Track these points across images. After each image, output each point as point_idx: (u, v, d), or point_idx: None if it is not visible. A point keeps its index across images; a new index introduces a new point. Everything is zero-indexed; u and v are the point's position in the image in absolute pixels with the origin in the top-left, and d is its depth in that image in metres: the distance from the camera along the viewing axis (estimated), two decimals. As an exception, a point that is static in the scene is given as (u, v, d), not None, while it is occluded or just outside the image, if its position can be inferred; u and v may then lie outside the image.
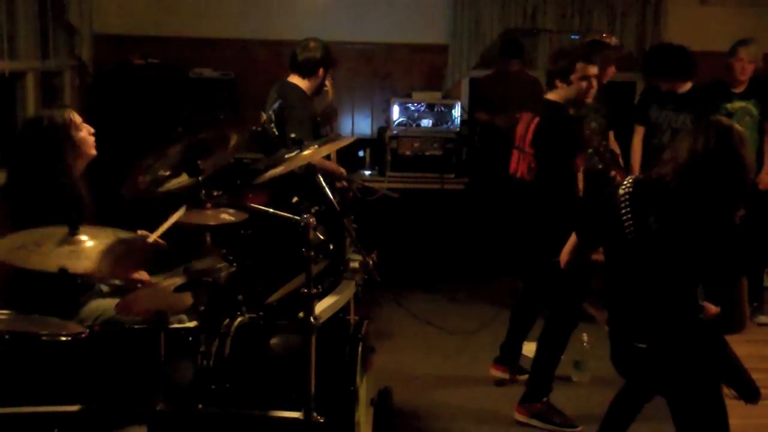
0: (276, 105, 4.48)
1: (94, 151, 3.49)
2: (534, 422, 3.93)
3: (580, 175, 4.09)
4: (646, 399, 3.17)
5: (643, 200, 2.82)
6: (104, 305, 3.37)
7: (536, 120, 3.94)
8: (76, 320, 3.28)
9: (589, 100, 4.06)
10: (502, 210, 4.39)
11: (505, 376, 4.45)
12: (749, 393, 2.89)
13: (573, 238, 3.13)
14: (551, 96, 3.98)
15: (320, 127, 4.75)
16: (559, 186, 3.91)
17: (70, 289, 3.32)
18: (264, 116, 4.53)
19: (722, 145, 2.71)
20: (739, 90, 5.40)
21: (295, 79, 4.56)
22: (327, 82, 4.66)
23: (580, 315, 4.05)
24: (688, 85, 5.26)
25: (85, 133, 3.43)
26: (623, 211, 2.83)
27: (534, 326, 4.39)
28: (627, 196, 2.84)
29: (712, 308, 2.83)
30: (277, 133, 4.40)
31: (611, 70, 5.17)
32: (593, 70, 3.96)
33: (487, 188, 5.86)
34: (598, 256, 3.14)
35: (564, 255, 3.16)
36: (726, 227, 2.73)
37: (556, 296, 3.95)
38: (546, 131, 3.90)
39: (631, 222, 2.81)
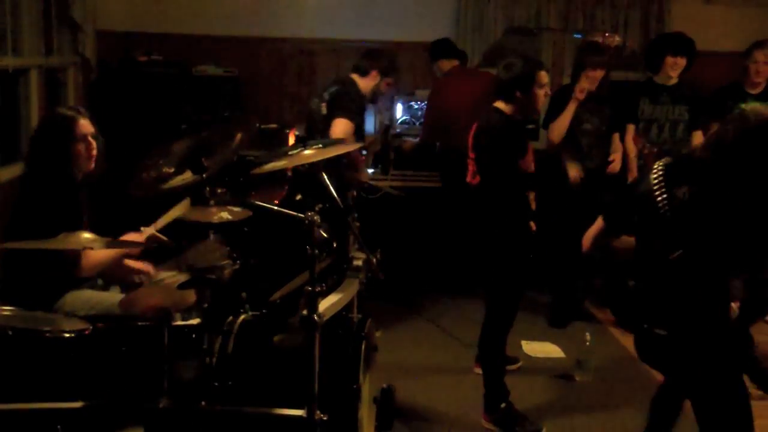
0: (334, 89, 4.74)
1: (90, 165, 3.52)
2: (496, 430, 3.95)
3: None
4: (685, 396, 3.15)
5: (675, 177, 2.86)
6: (98, 297, 3.38)
7: (475, 125, 4.00)
8: (58, 308, 3.31)
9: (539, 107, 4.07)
10: (462, 218, 4.42)
11: None
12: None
13: (597, 224, 3.16)
14: (499, 104, 3.96)
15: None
16: (501, 188, 3.93)
17: (58, 277, 3.35)
18: (315, 101, 4.85)
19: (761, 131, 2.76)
20: (754, 91, 5.38)
21: (354, 76, 4.83)
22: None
23: (511, 320, 4.09)
24: (678, 72, 5.24)
25: (82, 147, 3.45)
26: (657, 191, 2.86)
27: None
28: (660, 178, 2.88)
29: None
30: (325, 113, 4.68)
31: (600, 74, 5.16)
32: (546, 77, 3.97)
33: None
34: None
35: (587, 240, 3.20)
36: (760, 205, 2.76)
37: (496, 300, 4.05)
38: (481, 135, 3.94)
39: (665, 198, 2.84)
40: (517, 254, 3.95)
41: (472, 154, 4.01)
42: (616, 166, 5.32)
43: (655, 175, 2.91)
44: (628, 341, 5.14)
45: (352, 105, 4.65)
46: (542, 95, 3.93)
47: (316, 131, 4.70)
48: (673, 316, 2.86)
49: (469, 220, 4.12)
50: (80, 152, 3.45)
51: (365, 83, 4.81)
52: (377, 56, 4.89)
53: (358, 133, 4.69)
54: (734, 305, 2.88)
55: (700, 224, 2.78)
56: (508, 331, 4.10)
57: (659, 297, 2.91)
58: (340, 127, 4.49)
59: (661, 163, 2.95)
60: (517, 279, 4.01)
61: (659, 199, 2.85)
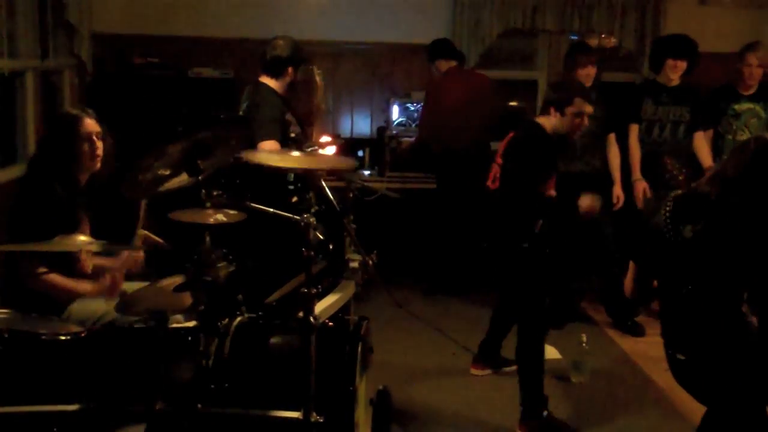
0: (245, 106, 4.47)
1: (96, 165, 3.52)
2: None
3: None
4: None
5: (682, 213, 2.90)
6: (105, 307, 3.38)
7: (512, 134, 4.01)
8: (65, 317, 3.31)
9: (577, 136, 4.12)
10: (473, 218, 4.42)
11: (487, 372, 4.53)
12: None
13: (631, 269, 3.21)
14: (540, 119, 4.01)
15: (304, 127, 4.69)
16: (519, 201, 3.92)
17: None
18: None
19: (765, 158, 2.80)
20: (747, 92, 5.39)
21: (265, 79, 4.49)
22: (317, 78, 4.60)
23: (547, 320, 4.05)
24: (678, 75, 5.25)
25: (86, 146, 3.45)
26: (665, 227, 2.91)
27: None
28: (669, 213, 2.93)
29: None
30: None
31: (592, 71, 5.18)
32: (589, 108, 3.98)
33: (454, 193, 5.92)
34: None
35: (628, 287, 3.24)
36: (764, 237, 2.78)
37: (522, 305, 3.97)
38: (517, 146, 3.96)
39: (672, 235, 2.89)
40: (535, 258, 3.94)
41: (499, 160, 4.00)
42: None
43: (663, 211, 2.95)
44: (624, 343, 5.16)
45: (269, 122, 4.33)
46: (576, 122, 3.95)
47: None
48: (691, 342, 2.88)
49: (485, 224, 4.11)
50: (84, 152, 3.45)
51: (281, 83, 4.48)
52: (286, 51, 4.47)
53: (288, 135, 4.39)
54: (754, 319, 2.89)
55: (706, 260, 2.81)
56: (546, 333, 4.02)
57: (677, 323, 2.94)
58: (266, 149, 4.14)
59: (671, 198, 2.99)
60: (538, 281, 3.98)
61: (668, 236, 2.91)
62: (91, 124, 3.47)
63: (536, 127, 3.98)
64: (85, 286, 3.43)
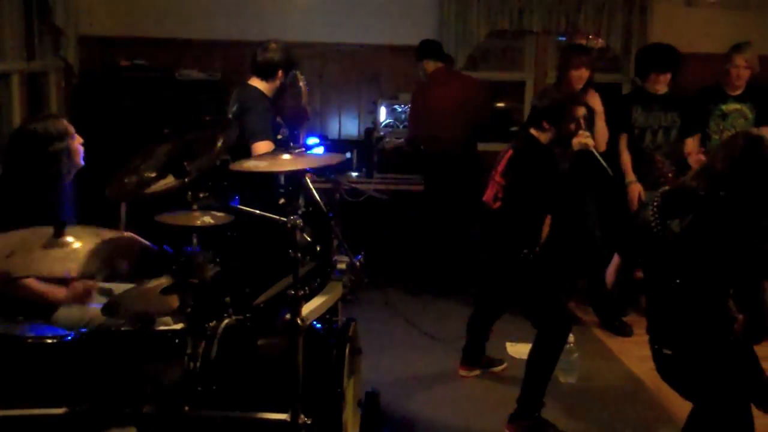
0: (235, 108, 4.43)
1: (82, 162, 3.50)
2: None
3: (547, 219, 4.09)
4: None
5: (669, 208, 2.93)
6: (92, 312, 3.36)
7: (510, 152, 3.97)
8: (53, 322, 3.29)
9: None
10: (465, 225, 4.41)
11: (475, 373, 4.55)
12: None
13: (615, 260, 3.22)
14: (535, 132, 3.96)
15: (292, 129, 4.68)
16: (520, 220, 3.92)
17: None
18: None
19: (753, 153, 2.83)
20: (735, 93, 5.40)
21: (255, 81, 4.47)
22: (300, 83, 4.60)
23: (568, 329, 3.95)
24: (667, 78, 5.27)
25: (77, 143, 3.44)
26: (653, 222, 2.94)
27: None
28: (656, 209, 2.96)
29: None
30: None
31: (585, 74, 5.17)
32: (582, 111, 3.97)
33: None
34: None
35: (609, 277, 3.25)
36: (751, 232, 2.80)
37: (543, 314, 3.89)
38: (518, 164, 3.92)
39: (660, 230, 2.91)
40: (534, 262, 3.94)
41: (500, 179, 3.96)
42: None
43: (651, 205, 2.98)
44: (611, 343, 5.17)
45: (263, 122, 4.28)
46: (572, 128, 3.92)
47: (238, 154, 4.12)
48: (677, 337, 2.90)
49: (485, 239, 4.09)
50: (77, 148, 3.45)
51: (271, 86, 4.44)
52: (278, 55, 4.44)
53: (277, 137, 4.37)
54: (740, 317, 2.91)
55: (693, 255, 2.84)
56: (564, 342, 3.95)
57: (664, 318, 2.96)
58: (262, 149, 4.12)
59: (659, 193, 3.02)
60: (549, 286, 3.95)
61: (655, 231, 2.93)
62: (69, 124, 3.45)
63: (533, 142, 3.93)
64: (58, 291, 3.30)
